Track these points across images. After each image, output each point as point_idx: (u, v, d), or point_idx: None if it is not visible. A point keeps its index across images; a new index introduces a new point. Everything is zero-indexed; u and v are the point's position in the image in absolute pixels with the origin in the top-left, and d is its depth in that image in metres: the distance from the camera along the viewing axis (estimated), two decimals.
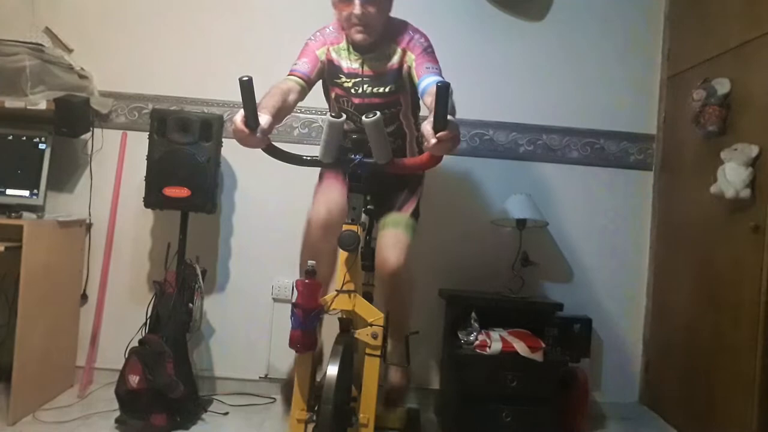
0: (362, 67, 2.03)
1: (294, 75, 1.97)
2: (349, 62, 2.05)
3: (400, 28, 2.04)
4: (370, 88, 2.04)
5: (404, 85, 2.05)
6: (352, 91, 2.06)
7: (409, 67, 1.99)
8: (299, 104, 2.73)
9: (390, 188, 2.10)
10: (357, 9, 1.89)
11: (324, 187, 2.11)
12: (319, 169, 2.16)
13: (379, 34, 1.99)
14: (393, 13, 2.05)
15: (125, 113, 2.83)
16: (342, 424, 1.59)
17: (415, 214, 2.14)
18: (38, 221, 2.43)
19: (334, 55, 2.06)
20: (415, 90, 1.99)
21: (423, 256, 2.73)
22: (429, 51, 1.99)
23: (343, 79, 2.06)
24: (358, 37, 1.96)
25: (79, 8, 2.83)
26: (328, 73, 2.09)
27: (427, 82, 1.85)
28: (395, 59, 2.01)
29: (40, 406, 2.42)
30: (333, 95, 2.13)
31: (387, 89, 2.04)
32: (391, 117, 2.08)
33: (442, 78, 1.83)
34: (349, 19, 1.94)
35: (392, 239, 1.97)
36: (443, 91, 1.42)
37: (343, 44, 2.05)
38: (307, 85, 2.00)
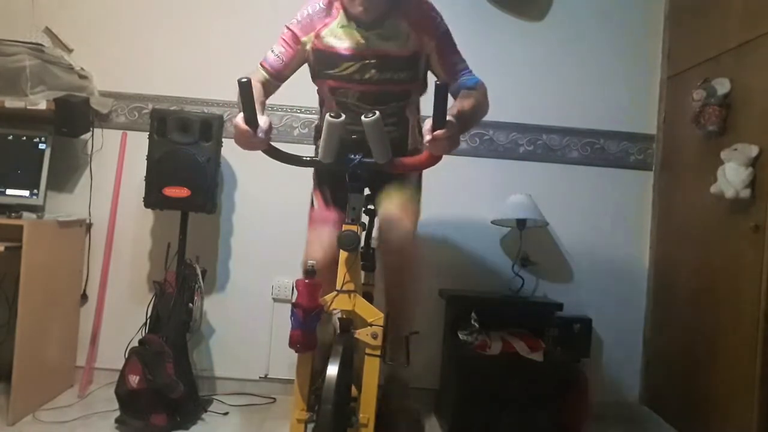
0: (368, 45, 1.77)
1: (264, 67, 1.81)
2: (350, 42, 1.78)
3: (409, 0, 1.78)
4: (378, 74, 1.80)
5: (418, 76, 1.86)
6: (356, 77, 1.80)
7: (428, 56, 1.81)
8: (299, 104, 2.76)
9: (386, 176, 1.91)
10: None
11: (315, 231, 1.92)
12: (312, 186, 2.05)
13: (384, 6, 1.74)
14: None
15: (125, 113, 2.83)
16: (342, 424, 1.59)
17: (418, 186, 2.02)
18: (38, 221, 2.43)
19: (329, 40, 1.79)
20: (427, 79, 1.90)
21: (423, 257, 2.73)
22: (449, 37, 1.81)
23: (344, 66, 1.80)
24: (359, 10, 1.72)
25: (79, 8, 2.83)
26: (320, 63, 1.83)
27: (460, 84, 1.75)
28: (410, 44, 1.78)
29: (40, 406, 2.42)
30: (326, 88, 1.89)
31: (397, 76, 1.81)
32: (398, 109, 1.91)
33: (470, 69, 1.82)
34: None
35: (397, 207, 1.81)
36: (441, 91, 1.45)
37: (340, 20, 1.78)
38: (276, 80, 1.83)
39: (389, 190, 1.91)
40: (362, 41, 1.78)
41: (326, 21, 1.80)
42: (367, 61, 1.80)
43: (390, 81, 1.81)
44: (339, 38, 1.80)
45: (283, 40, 1.83)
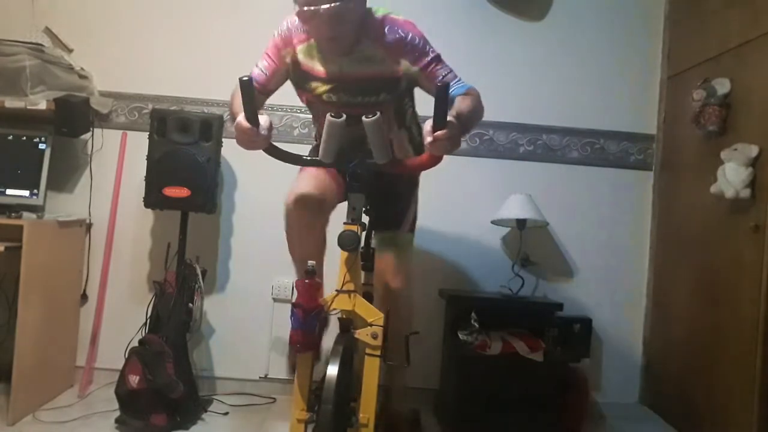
0: (341, 71, 1.79)
1: None
2: (322, 64, 1.80)
3: (377, 24, 1.75)
4: (347, 97, 1.81)
5: (393, 97, 1.85)
6: (324, 98, 1.83)
7: (413, 76, 1.80)
8: (299, 104, 2.74)
9: (385, 195, 1.94)
10: (325, 32, 1.67)
11: (306, 171, 1.93)
12: None
13: (351, 39, 1.73)
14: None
15: (125, 113, 2.83)
16: (342, 424, 1.59)
17: (413, 226, 2.11)
18: (38, 221, 2.43)
19: (301, 57, 1.81)
20: (402, 96, 1.91)
21: (423, 256, 2.74)
22: (431, 53, 1.77)
23: (315, 85, 1.82)
24: (327, 46, 1.75)
25: (79, 8, 2.83)
26: (296, 77, 1.86)
27: (451, 94, 1.71)
28: (386, 67, 1.77)
29: (40, 406, 2.42)
30: (304, 100, 1.92)
31: (371, 99, 1.81)
32: None
33: (459, 77, 1.80)
34: (317, 32, 1.71)
35: (393, 263, 1.93)
36: (442, 92, 1.45)
37: (313, 42, 1.79)
38: (261, 94, 1.83)
39: (386, 237, 1.99)
40: (335, 66, 1.79)
41: (302, 37, 1.80)
42: (338, 84, 1.80)
43: (359, 105, 1.80)
44: (312, 58, 1.81)
45: (267, 54, 1.85)
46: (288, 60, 1.83)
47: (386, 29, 1.75)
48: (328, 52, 1.78)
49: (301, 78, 1.85)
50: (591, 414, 2.61)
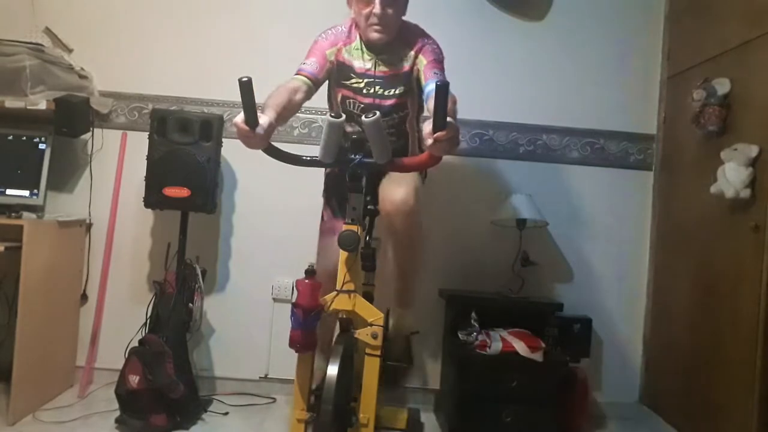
0: (375, 68, 2.06)
1: (301, 74, 1.98)
2: (362, 62, 2.07)
3: (414, 31, 2.08)
4: (381, 90, 2.06)
5: (413, 89, 2.08)
6: (364, 91, 2.08)
7: (418, 70, 2.02)
8: None
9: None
10: (377, 8, 1.94)
11: (323, 241, 2.12)
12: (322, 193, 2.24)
13: (394, 35, 2.03)
14: None
15: (125, 113, 2.83)
16: (342, 424, 1.59)
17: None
18: (38, 221, 2.43)
19: (345, 56, 2.08)
20: (420, 93, 2.03)
21: (423, 256, 2.73)
22: (440, 58, 2.02)
23: (354, 80, 2.08)
24: (375, 36, 2.00)
25: (79, 8, 2.83)
26: (337, 74, 2.10)
27: (431, 87, 1.83)
28: (407, 62, 2.05)
29: (40, 406, 2.42)
30: (339, 97, 2.13)
31: (397, 91, 2.06)
32: (399, 121, 2.11)
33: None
34: (367, 18, 1.98)
35: (399, 181, 1.91)
36: (443, 91, 1.44)
37: (356, 44, 2.08)
38: (314, 84, 2.01)
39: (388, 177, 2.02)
40: (370, 63, 2.07)
41: (347, 41, 2.08)
42: (373, 79, 2.07)
43: (391, 96, 2.06)
44: (353, 56, 2.08)
45: (313, 53, 2.05)
46: (332, 58, 2.07)
47: (417, 33, 2.07)
48: (370, 44, 2.05)
49: (343, 73, 2.09)
50: (591, 414, 2.61)
